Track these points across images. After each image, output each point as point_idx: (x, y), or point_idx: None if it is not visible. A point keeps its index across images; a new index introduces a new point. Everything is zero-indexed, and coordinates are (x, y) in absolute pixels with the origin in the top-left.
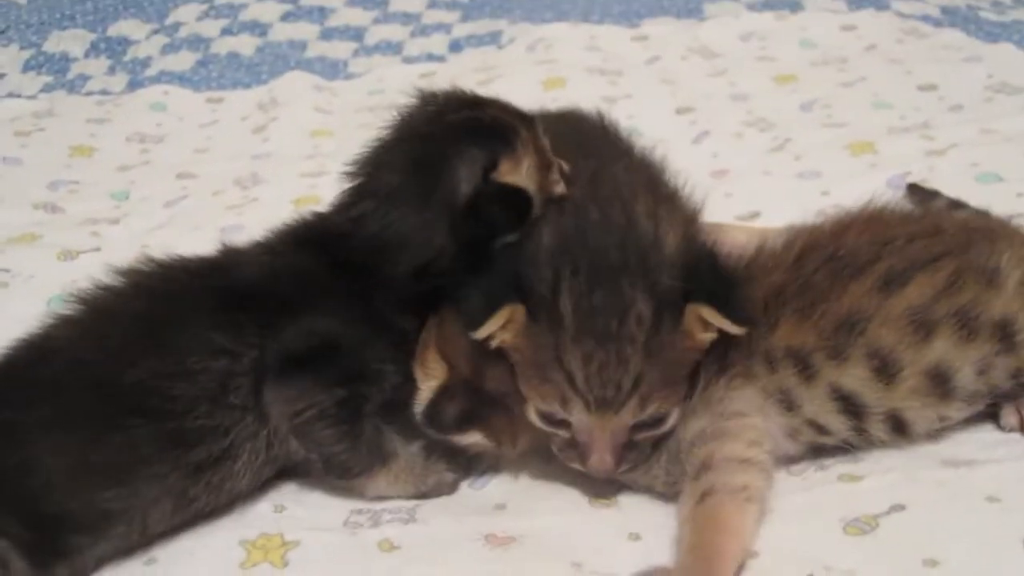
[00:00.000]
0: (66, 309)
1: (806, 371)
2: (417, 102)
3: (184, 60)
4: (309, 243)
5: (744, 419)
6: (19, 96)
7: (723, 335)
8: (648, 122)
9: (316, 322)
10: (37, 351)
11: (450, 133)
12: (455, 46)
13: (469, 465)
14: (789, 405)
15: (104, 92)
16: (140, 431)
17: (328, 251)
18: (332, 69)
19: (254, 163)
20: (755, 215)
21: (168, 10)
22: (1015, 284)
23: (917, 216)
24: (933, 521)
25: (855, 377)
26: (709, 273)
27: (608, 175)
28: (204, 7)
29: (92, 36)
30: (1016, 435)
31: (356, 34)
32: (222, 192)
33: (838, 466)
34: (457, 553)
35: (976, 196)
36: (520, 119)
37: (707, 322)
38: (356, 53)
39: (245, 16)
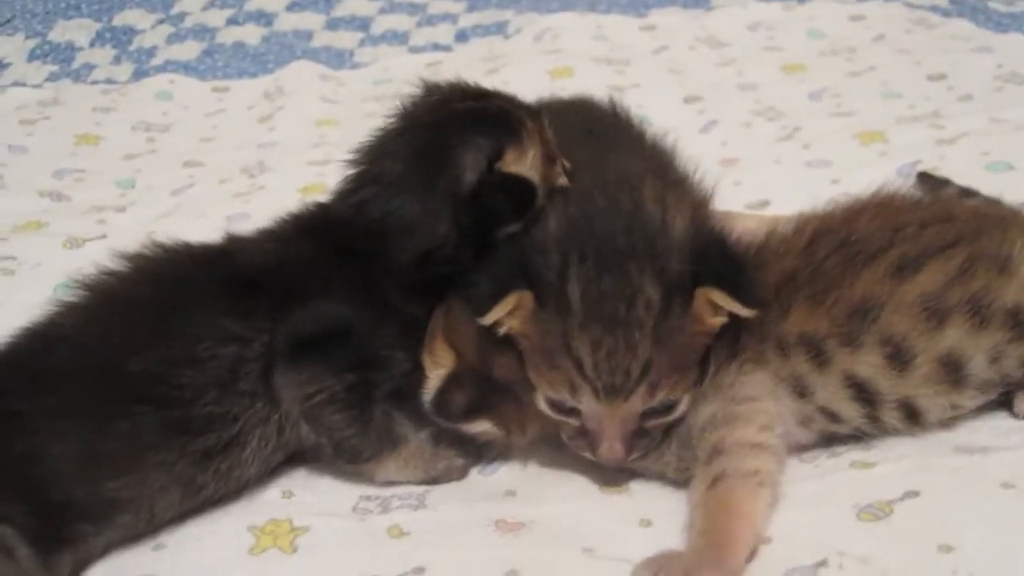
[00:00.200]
0: (71, 296)
1: (819, 358)
2: (421, 92)
3: (190, 50)
4: (314, 231)
5: (755, 404)
6: (24, 85)
7: (734, 319)
8: (656, 111)
9: (326, 307)
10: (42, 339)
11: (455, 122)
12: (461, 36)
13: (479, 452)
14: (802, 392)
15: (109, 81)
16: (147, 419)
17: (333, 238)
18: (338, 59)
19: (260, 152)
20: (765, 203)
21: (173, 0)
22: None
23: (928, 202)
24: (948, 507)
25: (869, 364)
26: (718, 257)
27: (616, 161)
28: None
29: (97, 25)
30: None
31: (362, 24)
32: (229, 180)
33: (850, 453)
34: (467, 539)
35: (987, 185)
36: (526, 110)
37: (717, 306)
38: (362, 43)
39: (250, 6)
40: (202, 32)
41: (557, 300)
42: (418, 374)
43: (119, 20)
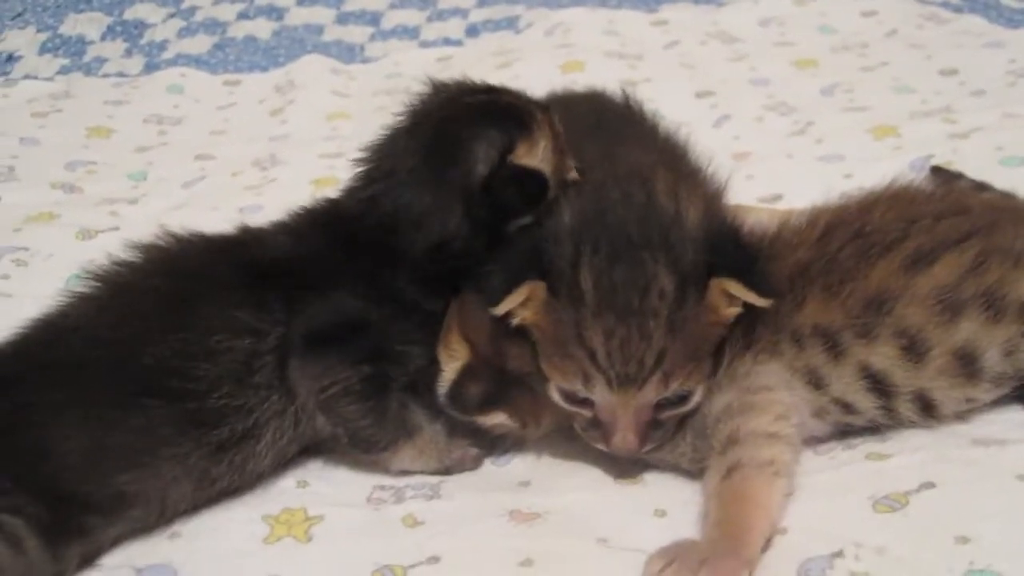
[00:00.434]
0: (82, 286)
1: (834, 349)
2: (429, 90)
3: (201, 43)
4: (327, 225)
5: (770, 393)
6: (36, 78)
7: (748, 310)
8: (668, 106)
9: (341, 300)
10: (53, 329)
11: (466, 116)
12: (472, 31)
13: (493, 442)
14: (817, 384)
15: (121, 75)
16: (159, 412)
17: (346, 232)
18: (349, 53)
19: (272, 145)
20: (777, 197)
21: None
22: None
23: (942, 195)
24: (964, 499)
25: (884, 356)
26: (731, 247)
27: (629, 153)
28: None
29: (108, 19)
30: None
31: (372, 18)
32: (240, 173)
33: (865, 445)
34: (481, 529)
35: (1000, 179)
36: (535, 104)
37: (732, 296)
38: (373, 37)
39: (261, 0)
40: (213, 26)
41: (570, 290)
42: (433, 367)
43: (130, 14)
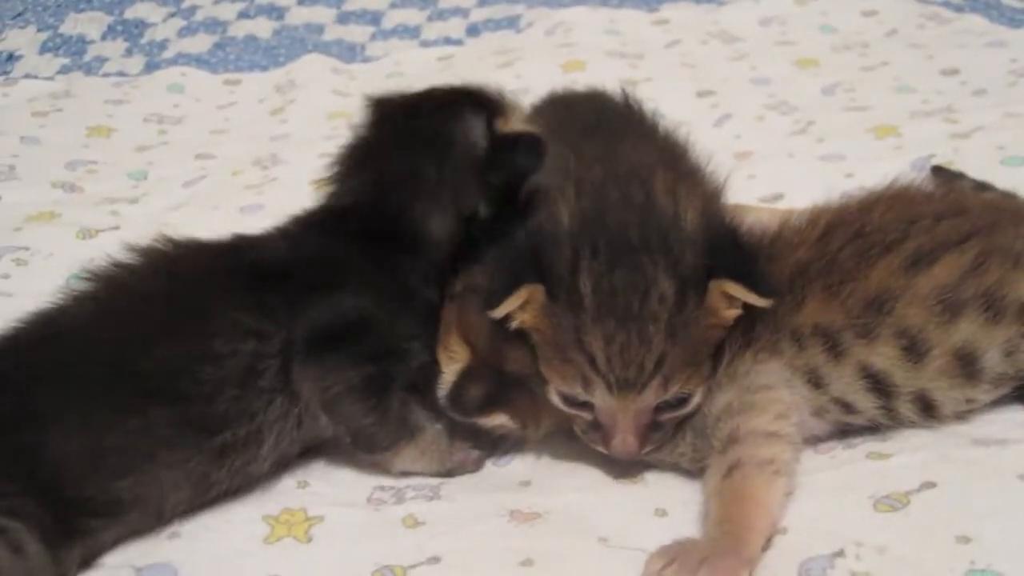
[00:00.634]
0: (82, 286)
1: (834, 349)
2: (373, 106)
3: (201, 43)
4: (322, 226)
5: (770, 392)
6: (36, 77)
7: (748, 310)
8: (669, 105)
9: (344, 300)
10: (53, 328)
11: (439, 109)
12: (473, 30)
13: (494, 444)
14: (817, 383)
15: (121, 74)
16: (160, 416)
17: (342, 232)
18: (349, 52)
19: (273, 144)
20: (778, 197)
21: None
22: None
23: (942, 195)
24: (965, 499)
25: (884, 356)
26: (730, 248)
27: (628, 153)
28: None
29: (109, 19)
30: None
31: (373, 18)
32: (241, 172)
33: (866, 444)
34: (482, 529)
35: (1002, 179)
36: (485, 88)
37: (732, 297)
38: (373, 37)
39: (262, 0)
40: (213, 25)
41: (569, 294)
42: (434, 366)
43: (130, 13)
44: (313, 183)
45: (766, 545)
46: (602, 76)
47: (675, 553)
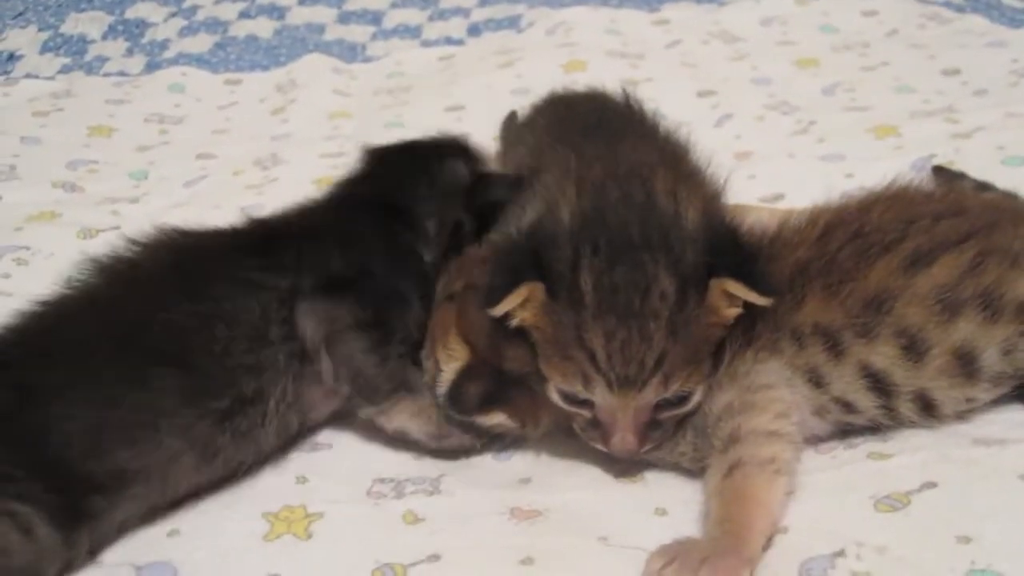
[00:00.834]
0: (84, 273)
1: (834, 348)
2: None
3: (202, 42)
4: (333, 199)
5: (771, 391)
6: (37, 77)
7: (748, 309)
8: (669, 105)
9: (354, 253)
10: (54, 311)
11: (424, 159)
12: (474, 30)
13: (492, 440)
14: (817, 382)
15: (122, 74)
16: (164, 380)
17: (353, 202)
18: (350, 52)
19: (273, 144)
20: (779, 197)
21: None
22: None
23: (941, 195)
24: (966, 499)
25: (884, 355)
26: (731, 247)
27: (628, 153)
28: None
29: (110, 18)
30: None
31: (374, 18)
32: (242, 172)
33: (867, 444)
34: (482, 526)
35: (1003, 179)
36: (454, 139)
37: (732, 296)
38: (374, 36)
39: (262, 0)
40: (214, 25)
41: (569, 292)
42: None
43: (131, 13)
44: (314, 182)
45: (767, 544)
46: (603, 76)
47: (675, 552)
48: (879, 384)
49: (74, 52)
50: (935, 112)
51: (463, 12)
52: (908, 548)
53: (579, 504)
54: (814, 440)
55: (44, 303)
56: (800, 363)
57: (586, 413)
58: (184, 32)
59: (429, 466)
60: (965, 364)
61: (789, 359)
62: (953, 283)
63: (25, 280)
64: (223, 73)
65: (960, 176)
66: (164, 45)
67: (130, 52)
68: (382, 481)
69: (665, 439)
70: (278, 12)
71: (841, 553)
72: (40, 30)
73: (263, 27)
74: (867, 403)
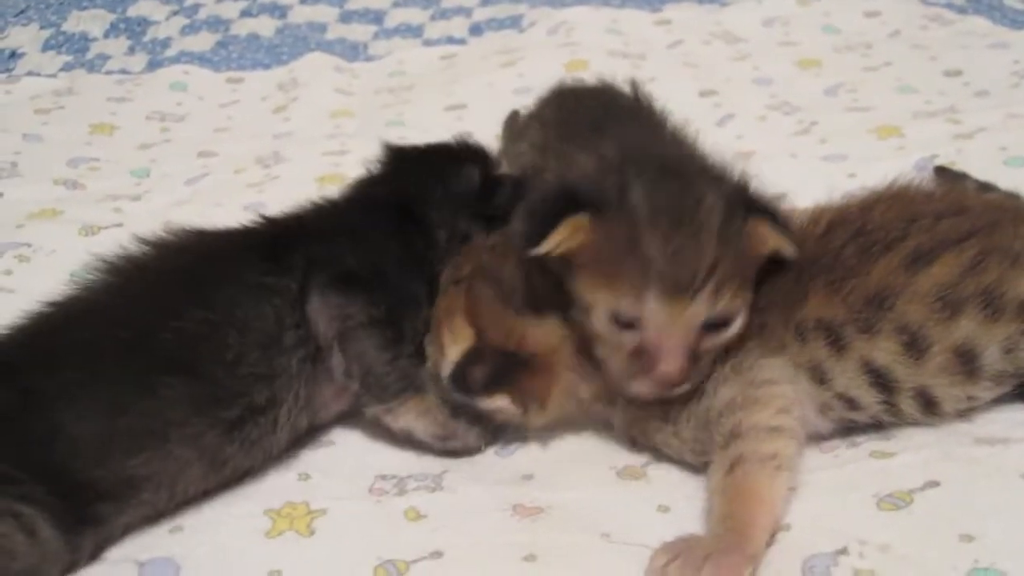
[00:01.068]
0: (91, 274)
1: (837, 343)
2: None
3: (204, 41)
4: (345, 199)
5: (773, 387)
6: (39, 75)
7: (756, 297)
8: (671, 105)
9: (367, 252)
10: (61, 313)
11: (439, 164)
12: (475, 29)
13: (495, 433)
14: (820, 379)
15: (124, 72)
16: (175, 389)
17: (366, 202)
18: (352, 51)
19: (275, 142)
20: (781, 197)
21: None
22: None
23: (942, 195)
24: (968, 497)
25: (886, 351)
26: (762, 195)
27: (639, 134)
28: None
29: (112, 16)
30: None
31: (376, 17)
32: (244, 170)
33: (870, 443)
34: (484, 523)
35: (1004, 180)
36: (471, 144)
37: (764, 240)
38: (376, 35)
39: None
40: (216, 24)
41: (619, 212)
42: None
43: (133, 11)
44: (316, 181)
45: (770, 541)
46: (604, 76)
47: (679, 549)
48: (881, 380)
49: (76, 50)
50: (937, 113)
51: (465, 11)
52: (911, 546)
53: (582, 501)
54: (817, 439)
55: (51, 304)
56: (803, 359)
57: (630, 340)
58: (186, 30)
59: (431, 463)
60: (966, 362)
61: (793, 356)
62: (954, 281)
63: (27, 277)
64: (225, 71)
65: (962, 177)
66: (166, 43)
67: (132, 50)
68: (384, 478)
69: (700, 379)
70: (280, 11)
71: (844, 551)
72: (42, 28)
73: (265, 26)
74: (869, 399)
